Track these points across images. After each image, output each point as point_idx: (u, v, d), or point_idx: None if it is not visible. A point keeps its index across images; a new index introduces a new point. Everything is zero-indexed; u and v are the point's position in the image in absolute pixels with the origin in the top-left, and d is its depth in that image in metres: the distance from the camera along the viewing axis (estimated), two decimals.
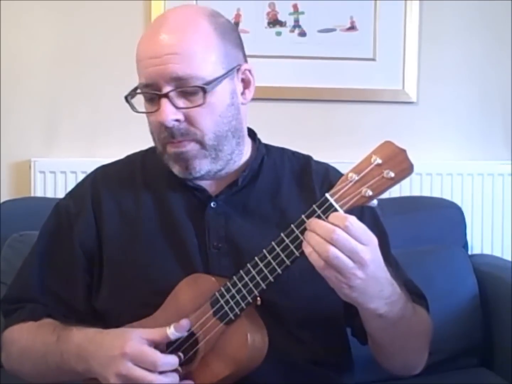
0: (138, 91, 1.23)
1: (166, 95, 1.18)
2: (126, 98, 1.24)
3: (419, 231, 2.09)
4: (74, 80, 2.40)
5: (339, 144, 2.48)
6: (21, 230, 1.96)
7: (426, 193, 2.44)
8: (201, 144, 1.21)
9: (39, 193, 2.33)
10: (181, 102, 1.19)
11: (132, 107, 1.23)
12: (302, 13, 2.45)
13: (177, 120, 1.19)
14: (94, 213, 1.30)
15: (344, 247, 1.01)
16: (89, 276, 1.29)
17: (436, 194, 2.41)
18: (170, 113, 1.18)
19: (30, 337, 1.27)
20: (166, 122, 1.18)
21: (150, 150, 1.36)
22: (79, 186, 1.37)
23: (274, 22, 2.45)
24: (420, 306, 1.28)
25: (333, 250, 1.00)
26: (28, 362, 1.28)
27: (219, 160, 1.24)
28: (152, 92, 1.20)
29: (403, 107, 2.52)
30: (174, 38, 1.18)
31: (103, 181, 1.33)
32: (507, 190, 2.50)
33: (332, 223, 1.02)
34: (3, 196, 2.31)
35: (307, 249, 1.03)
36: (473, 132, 2.56)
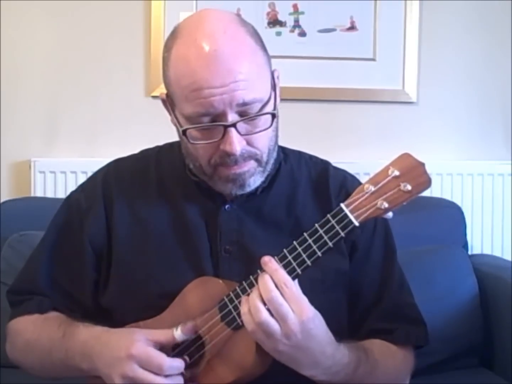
0: (191, 124, 1.15)
1: (234, 125, 1.13)
2: (184, 132, 1.15)
3: (419, 231, 2.09)
4: (74, 80, 2.40)
5: (339, 144, 2.48)
6: (21, 230, 1.96)
7: (426, 193, 2.42)
8: (259, 161, 1.19)
9: (39, 193, 2.33)
10: (243, 128, 1.14)
11: (188, 140, 1.16)
12: (302, 13, 2.45)
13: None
14: (105, 210, 1.29)
15: (276, 311, 1.03)
16: (97, 272, 1.29)
17: (436, 194, 2.41)
18: (238, 143, 1.13)
19: (36, 330, 1.26)
20: (236, 152, 1.14)
21: (165, 147, 1.35)
22: (91, 180, 1.35)
23: (274, 22, 2.45)
24: (409, 341, 1.27)
25: (266, 316, 1.03)
26: (32, 355, 1.28)
27: (266, 172, 1.23)
28: (219, 124, 1.13)
29: (403, 107, 2.52)
30: (236, 64, 1.11)
31: (115, 176, 1.32)
32: (507, 190, 2.49)
33: (276, 283, 1.04)
34: (3, 196, 2.31)
35: (243, 309, 1.06)
36: (473, 132, 2.56)
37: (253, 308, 1.05)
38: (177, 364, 1.11)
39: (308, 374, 1.10)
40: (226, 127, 1.13)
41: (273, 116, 1.17)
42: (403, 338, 1.27)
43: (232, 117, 1.12)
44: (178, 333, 1.11)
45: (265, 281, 1.05)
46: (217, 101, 1.11)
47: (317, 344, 1.08)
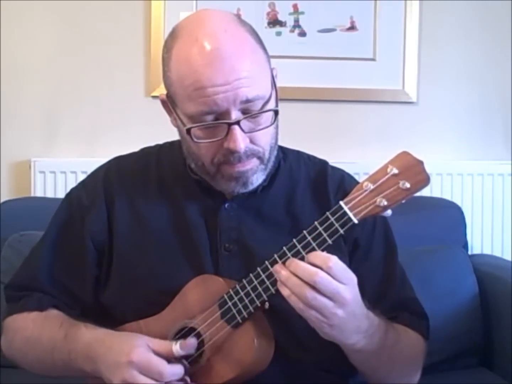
0: (194, 124, 1.15)
1: (237, 123, 1.13)
2: (188, 131, 1.15)
3: (419, 231, 2.09)
4: (74, 80, 2.40)
5: (339, 144, 2.48)
6: (21, 230, 1.96)
7: (426, 193, 2.43)
8: (261, 159, 1.20)
9: (39, 193, 2.33)
10: (246, 126, 1.15)
11: (192, 139, 1.16)
12: (302, 13, 2.45)
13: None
14: (106, 206, 1.29)
15: (326, 289, 1.02)
16: (98, 269, 1.29)
17: (436, 194, 2.41)
18: (243, 141, 1.14)
19: (36, 329, 1.26)
20: (240, 150, 1.14)
21: (166, 146, 1.35)
22: (93, 176, 1.35)
23: (274, 22, 2.45)
24: (414, 327, 1.28)
25: (312, 293, 1.02)
26: (32, 354, 1.27)
27: (267, 170, 1.23)
28: (223, 122, 1.13)
29: (403, 107, 2.52)
30: (239, 62, 1.12)
31: (116, 174, 1.32)
32: (507, 190, 2.49)
33: (314, 264, 1.03)
34: (3, 196, 2.31)
35: (284, 291, 1.05)
36: (473, 132, 2.56)
37: (296, 289, 1.03)
38: (177, 370, 1.11)
39: (351, 342, 1.10)
40: (230, 124, 1.13)
41: (276, 113, 1.17)
42: (407, 321, 1.27)
43: (235, 114, 1.13)
44: (176, 348, 1.11)
45: (304, 266, 1.03)
46: (221, 99, 1.11)
47: (360, 306, 1.08)
